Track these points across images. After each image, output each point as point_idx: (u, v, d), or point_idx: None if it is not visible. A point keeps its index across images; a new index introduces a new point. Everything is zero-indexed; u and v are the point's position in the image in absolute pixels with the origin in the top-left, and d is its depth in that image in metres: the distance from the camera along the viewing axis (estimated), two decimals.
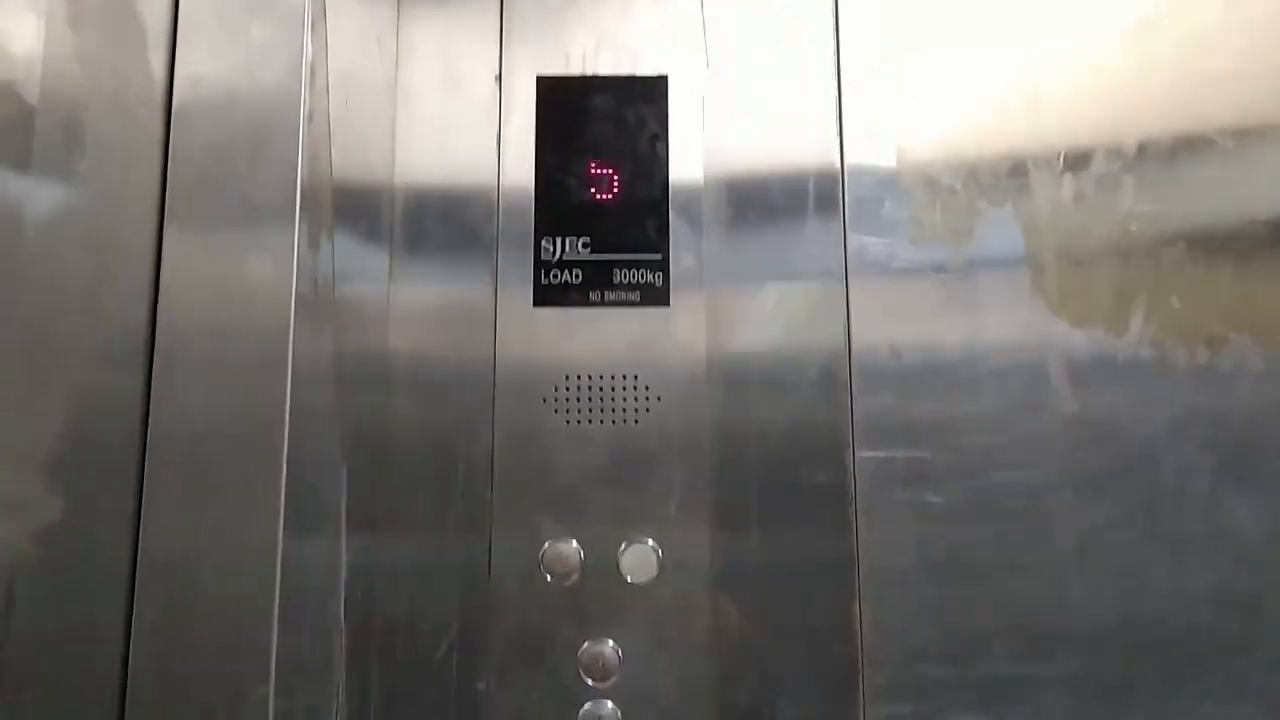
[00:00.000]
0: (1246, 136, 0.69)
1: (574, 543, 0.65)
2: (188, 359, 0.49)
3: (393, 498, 0.64)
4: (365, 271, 0.64)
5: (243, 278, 0.49)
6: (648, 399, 0.67)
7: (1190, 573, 0.65)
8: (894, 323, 0.68)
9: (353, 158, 0.60)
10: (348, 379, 0.58)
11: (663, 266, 0.68)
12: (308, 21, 0.52)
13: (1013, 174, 0.69)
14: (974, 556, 0.65)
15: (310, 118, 0.51)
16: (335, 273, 0.55)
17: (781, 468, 0.66)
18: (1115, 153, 0.69)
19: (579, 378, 0.67)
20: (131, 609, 0.46)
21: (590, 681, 0.63)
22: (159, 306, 0.49)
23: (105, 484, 0.46)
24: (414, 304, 0.67)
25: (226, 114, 0.51)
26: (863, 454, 0.66)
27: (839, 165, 0.70)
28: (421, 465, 0.66)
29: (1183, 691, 0.64)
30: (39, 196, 0.45)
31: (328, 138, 0.54)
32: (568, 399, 0.67)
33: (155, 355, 0.49)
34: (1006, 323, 0.68)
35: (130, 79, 0.49)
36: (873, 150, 0.70)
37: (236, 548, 0.47)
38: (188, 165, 0.50)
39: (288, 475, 0.47)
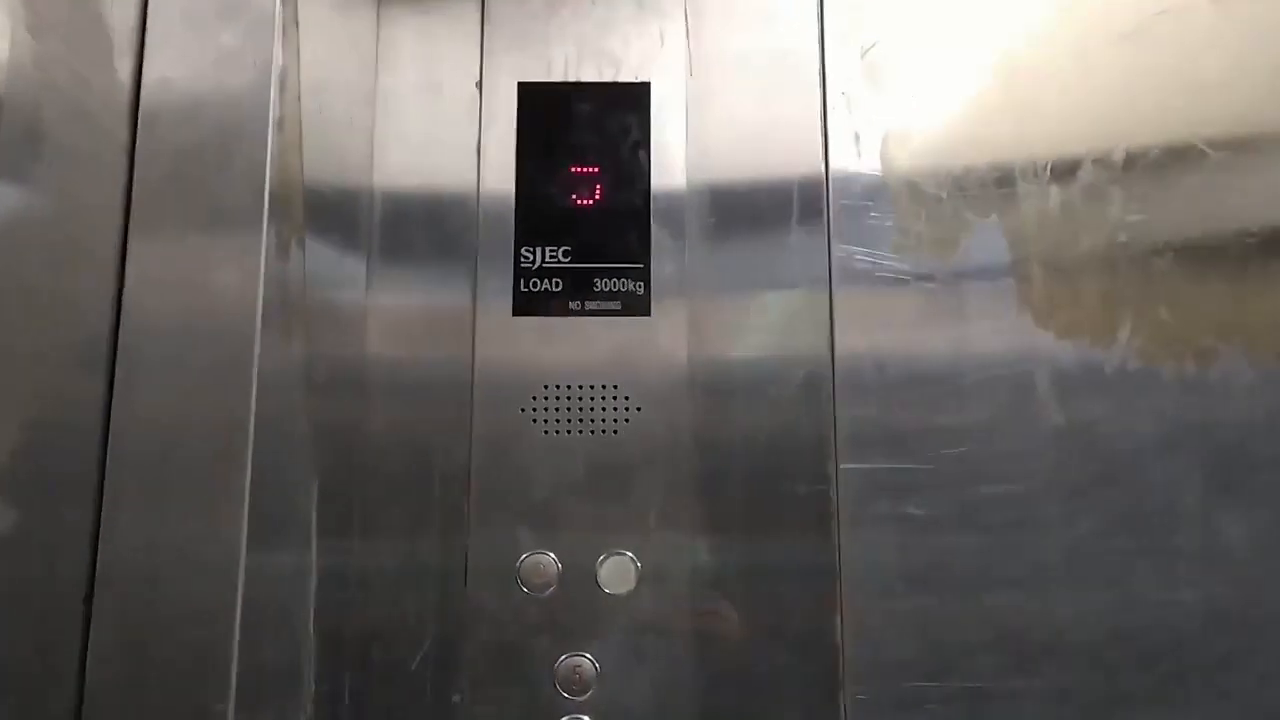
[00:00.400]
0: (1237, 145, 0.69)
1: (551, 554, 0.64)
2: (151, 366, 0.48)
3: (368, 507, 0.64)
4: (341, 278, 0.64)
5: (209, 284, 0.49)
6: (628, 409, 0.66)
7: (1178, 586, 0.64)
8: (879, 333, 0.67)
9: (327, 163, 0.60)
10: (321, 387, 0.57)
11: (644, 275, 0.67)
12: (278, 27, 0.51)
13: (999, 183, 0.69)
14: (958, 569, 0.65)
15: (280, 123, 0.51)
16: (307, 279, 0.55)
17: (763, 479, 0.66)
18: (1103, 162, 0.68)
19: (558, 387, 0.66)
20: (89, 622, 0.45)
21: (567, 695, 0.62)
22: (122, 312, 0.48)
23: (64, 494, 0.46)
24: (392, 311, 0.67)
25: (194, 118, 0.50)
26: (846, 465, 0.65)
27: (824, 174, 0.69)
28: (397, 474, 0.65)
29: (1171, 706, 0.63)
30: None
31: (299, 143, 0.53)
32: (546, 409, 0.66)
33: (118, 362, 0.48)
34: (992, 333, 0.67)
35: (94, 84, 0.48)
36: (858, 158, 0.69)
37: (198, 559, 0.46)
38: (154, 170, 0.50)
39: (252, 484, 0.47)
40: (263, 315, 0.48)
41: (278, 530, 0.51)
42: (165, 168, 0.50)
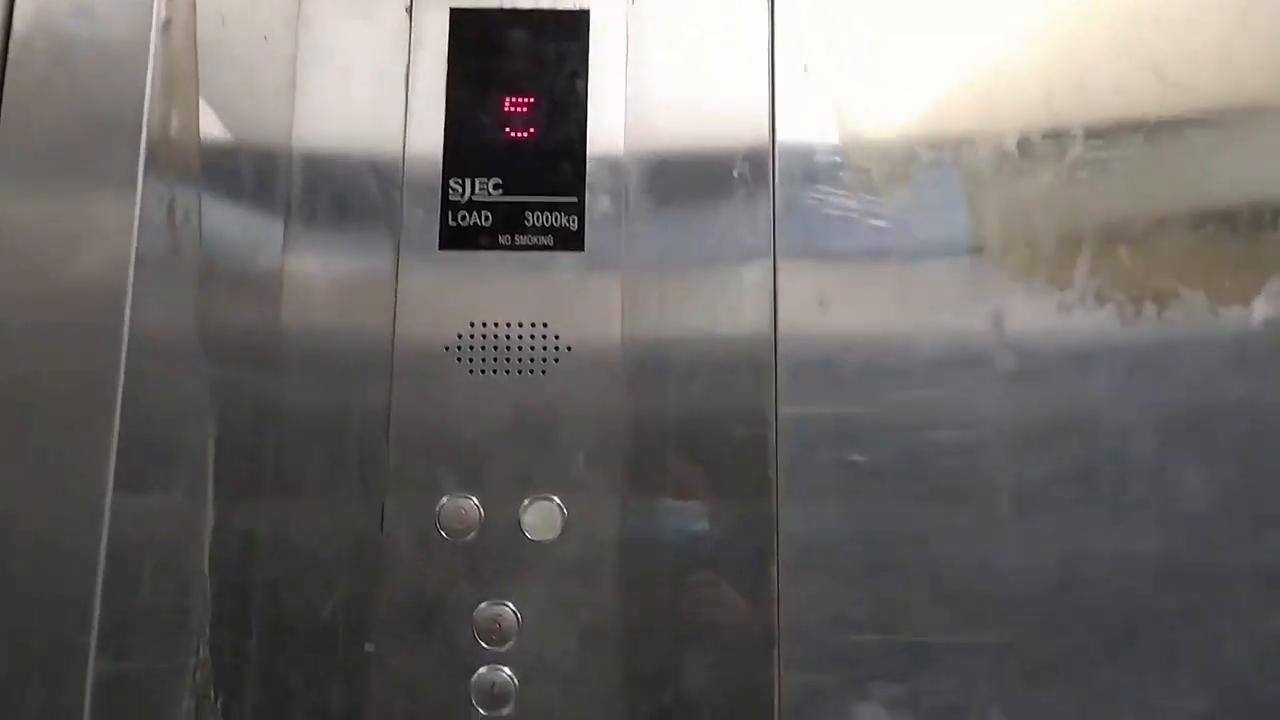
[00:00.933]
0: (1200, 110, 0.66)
1: (474, 498, 0.61)
2: (14, 304, 0.45)
3: (281, 448, 0.61)
4: (255, 219, 0.60)
5: (81, 214, 0.45)
6: (557, 348, 0.63)
7: (1132, 539, 0.62)
8: (823, 272, 0.64)
9: (234, 87, 0.56)
10: (223, 322, 0.54)
11: (578, 210, 0.64)
12: None
13: (957, 120, 0.66)
14: (900, 520, 0.62)
15: (167, 25, 0.47)
16: (203, 211, 0.51)
17: (699, 423, 0.63)
18: (1066, 108, 0.66)
19: (484, 325, 0.63)
20: None
21: (486, 645, 0.59)
22: None
23: None
24: (311, 246, 0.64)
25: (73, 18, 0.47)
26: (786, 409, 0.62)
27: (769, 106, 0.66)
28: (314, 415, 0.62)
29: (1120, 663, 0.61)
30: None
31: (193, 53, 0.50)
32: (471, 347, 0.63)
33: None
34: (943, 274, 0.64)
35: None
36: (806, 90, 0.66)
37: (61, 499, 0.43)
38: (25, 77, 0.46)
39: (122, 426, 0.43)
40: (138, 244, 0.45)
41: (159, 471, 0.48)
42: (35, 83, 0.46)
